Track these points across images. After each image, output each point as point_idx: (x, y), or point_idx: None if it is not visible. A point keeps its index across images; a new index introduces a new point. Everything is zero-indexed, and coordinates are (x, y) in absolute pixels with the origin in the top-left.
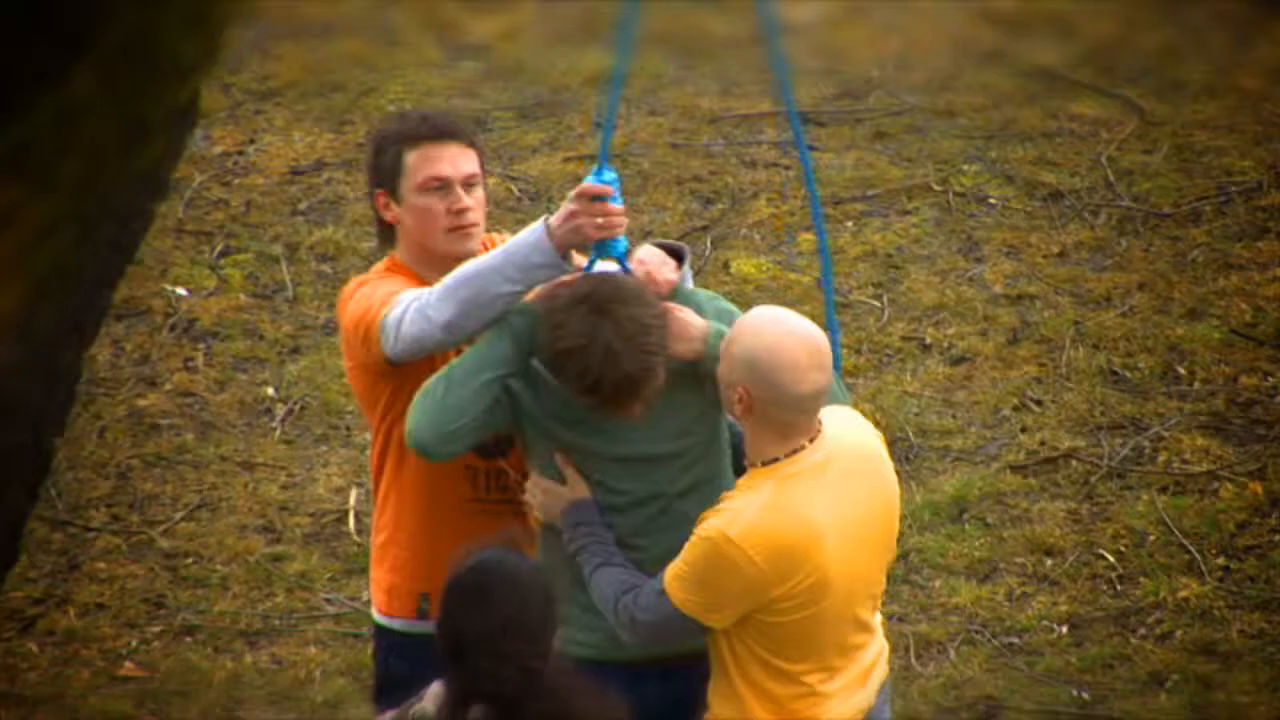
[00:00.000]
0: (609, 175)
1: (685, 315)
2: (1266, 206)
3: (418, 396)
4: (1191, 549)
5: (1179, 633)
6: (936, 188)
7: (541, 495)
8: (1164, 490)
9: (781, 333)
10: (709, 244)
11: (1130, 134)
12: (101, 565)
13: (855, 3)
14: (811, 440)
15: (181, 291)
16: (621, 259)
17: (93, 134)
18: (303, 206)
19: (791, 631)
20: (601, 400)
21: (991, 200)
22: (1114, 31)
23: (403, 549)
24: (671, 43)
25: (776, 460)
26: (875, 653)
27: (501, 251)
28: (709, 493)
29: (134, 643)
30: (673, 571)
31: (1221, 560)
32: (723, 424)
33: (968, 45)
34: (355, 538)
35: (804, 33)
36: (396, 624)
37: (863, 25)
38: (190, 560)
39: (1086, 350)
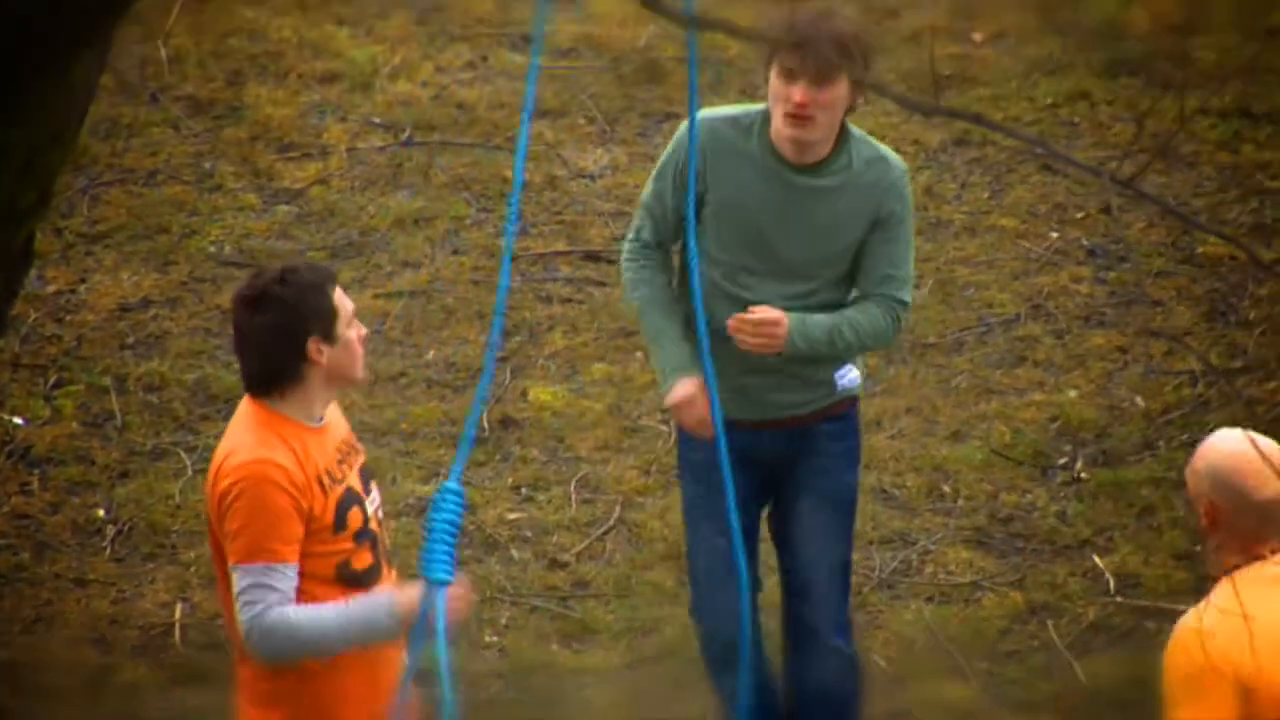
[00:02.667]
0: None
1: (766, 313)
2: (1023, 336)
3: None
4: (956, 654)
5: None
6: None
7: None
8: (930, 600)
9: (1241, 443)
10: (509, 373)
11: None
12: None
13: (641, 149)
14: (1273, 552)
15: (18, 421)
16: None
17: None
18: (130, 341)
19: None
20: None
21: None
22: None
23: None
24: (473, 187)
25: (1237, 568)
26: None
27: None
28: None
29: None
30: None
31: (985, 665)
32: None
33: None
34: (181, 649)
35: (596, 178)
36: None
37: (648, 170)
38: (28, 672)
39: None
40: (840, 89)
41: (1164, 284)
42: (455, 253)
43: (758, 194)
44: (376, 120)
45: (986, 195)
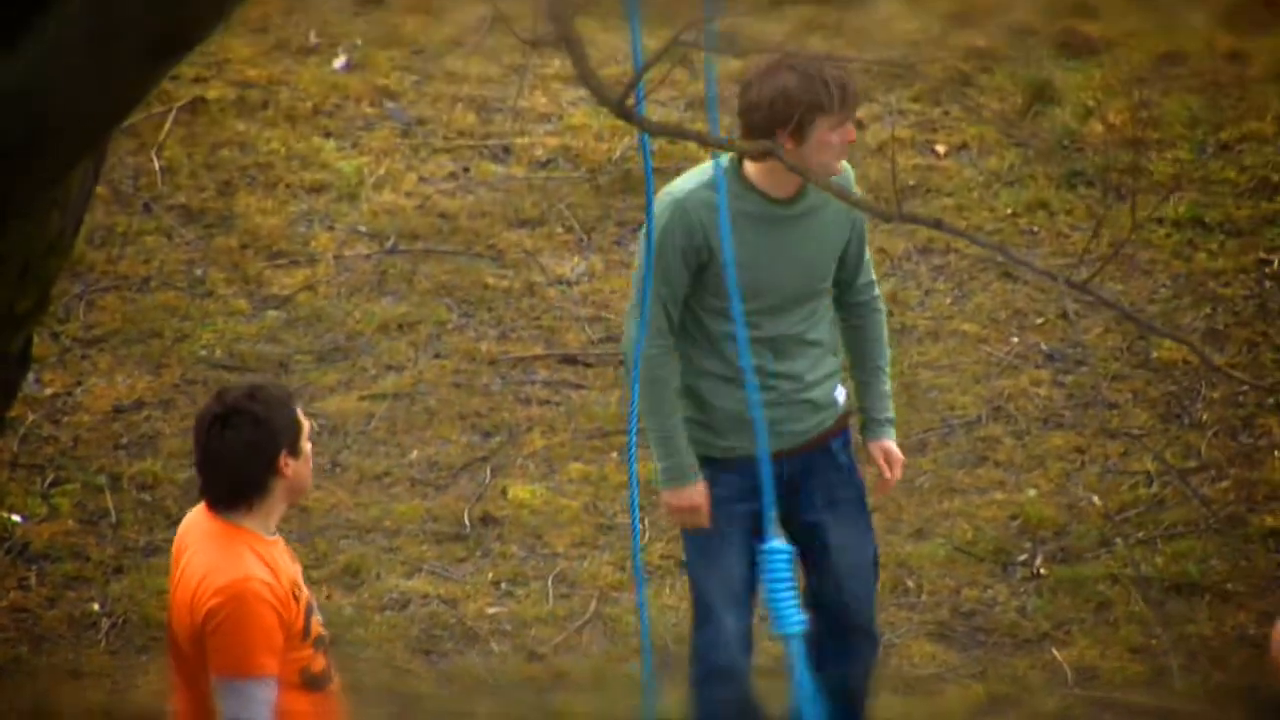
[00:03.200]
0: None
1: (895, 472)
2: (985, 437)
3: None
4: None
5: None
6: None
7: None
8: (896, 691)
9: None
10: (488, 473)
11: None
12: None
13: (617, 257)
14: None
15: (16, 518)
16: None
17: None
18: (124, 441)
19: None
20: None
21: None
22: None
23: None
24: (454, 294)
25: None
26: None
27: None
28: None
29: None
30: None
31: None
32: None
33: None
34: None
35: (573, 284)
36: None
37: (622, 278)
38: None
39: None
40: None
41: (1120, 387)
42: (437, 356)
43: (753, 239)
44: (362, 229)
45: (949, 301)
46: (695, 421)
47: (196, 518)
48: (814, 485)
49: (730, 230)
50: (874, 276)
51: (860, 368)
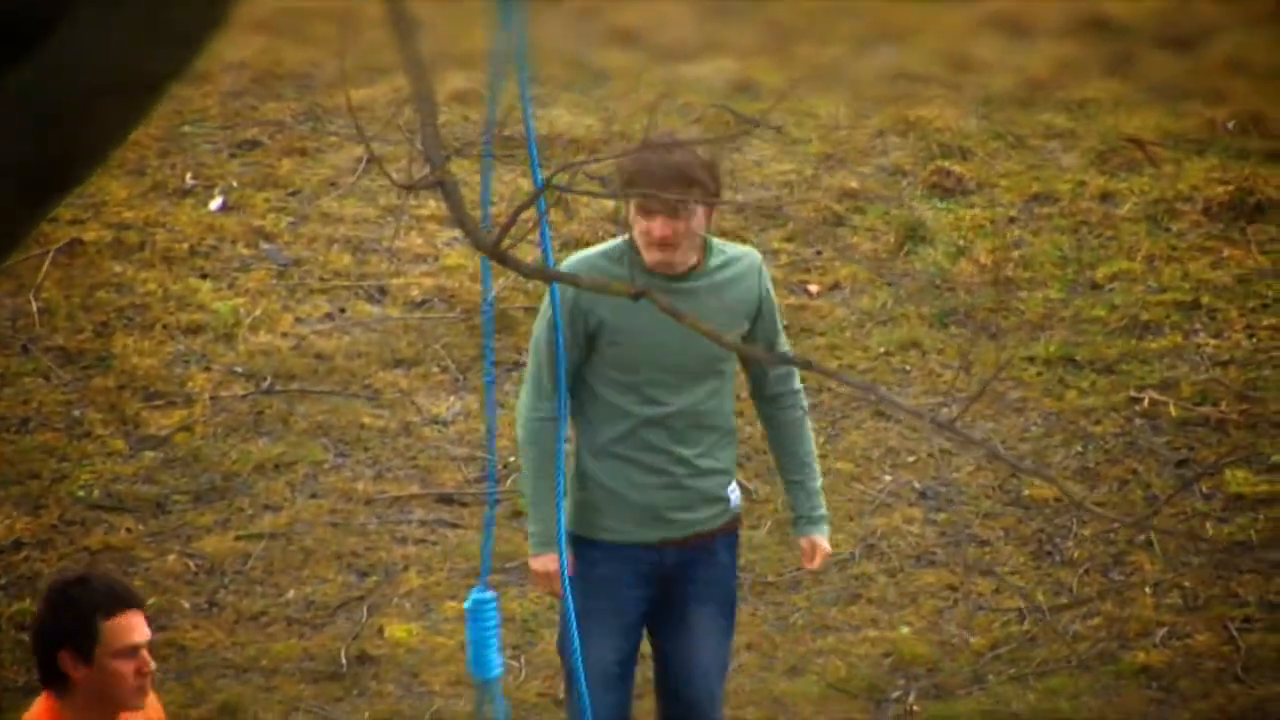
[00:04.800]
0: None
1: (817, 559)
2: (858, 575)
3: None
4: None
5: None
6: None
7: None
8: None
9: None
10: (365, 612)
11: (760, 517)
12: None
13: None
14: None
15: None
16: None
17: None
18: (2, 581)
19: None
20: None
21: None
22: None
23: None
24: (330, 433)
25: None
26: None
27: None
28: None
29: None
30: None
31: None
32: None
33: None
34: None
35: (449, 424)
36: None
37: (499, 416)
38: None
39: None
40: (696, 214)
41: (992, 524)
42: (314, 496)
43: (645, 312)
44: (239, 369)
45: (823, 440)
46: (583, 500)
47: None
48: (688, 581)
49: (590, 302)
50: (792, 371)
51: (785, 466)
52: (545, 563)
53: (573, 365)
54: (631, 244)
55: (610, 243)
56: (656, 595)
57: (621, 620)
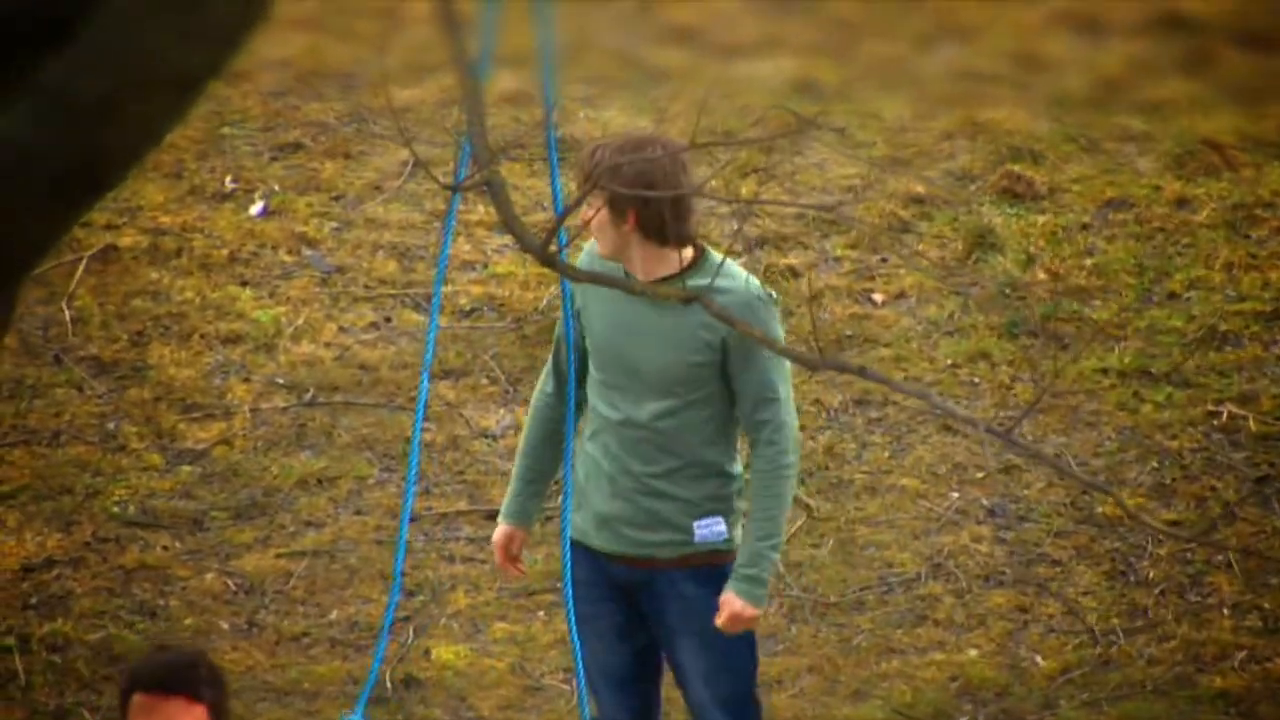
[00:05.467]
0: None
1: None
2: (924, 596)
3: None
4: None
5: None
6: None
7: None
8: None
9: None
10: (411, 633)
11: (799, 529)
12: None
13: None
14: None
15: None
16: None
17: None
18: (34, 601)
19: None
20: None
21: None
22: None
23: None
24: (375, 447)
25: None
26: None
27: None
28: None
29: None
30: None
31: None
32: None
33: None
34: None
35: (498, 438)
36: None
37: None
38: None
39: None
40: (597, 210)
41: (1064, 543)
42: (358, 513)
43: (613, 307)
44: (280, 380)
45: (887, 455)
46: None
47: None
48: (659, 621)
49: (597, 289)
50: (772, 418)
51: (749, 512)
52: (496, 534)
53: (580, 353)
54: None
55: None
56: (630, 614)
57: (605, 623)
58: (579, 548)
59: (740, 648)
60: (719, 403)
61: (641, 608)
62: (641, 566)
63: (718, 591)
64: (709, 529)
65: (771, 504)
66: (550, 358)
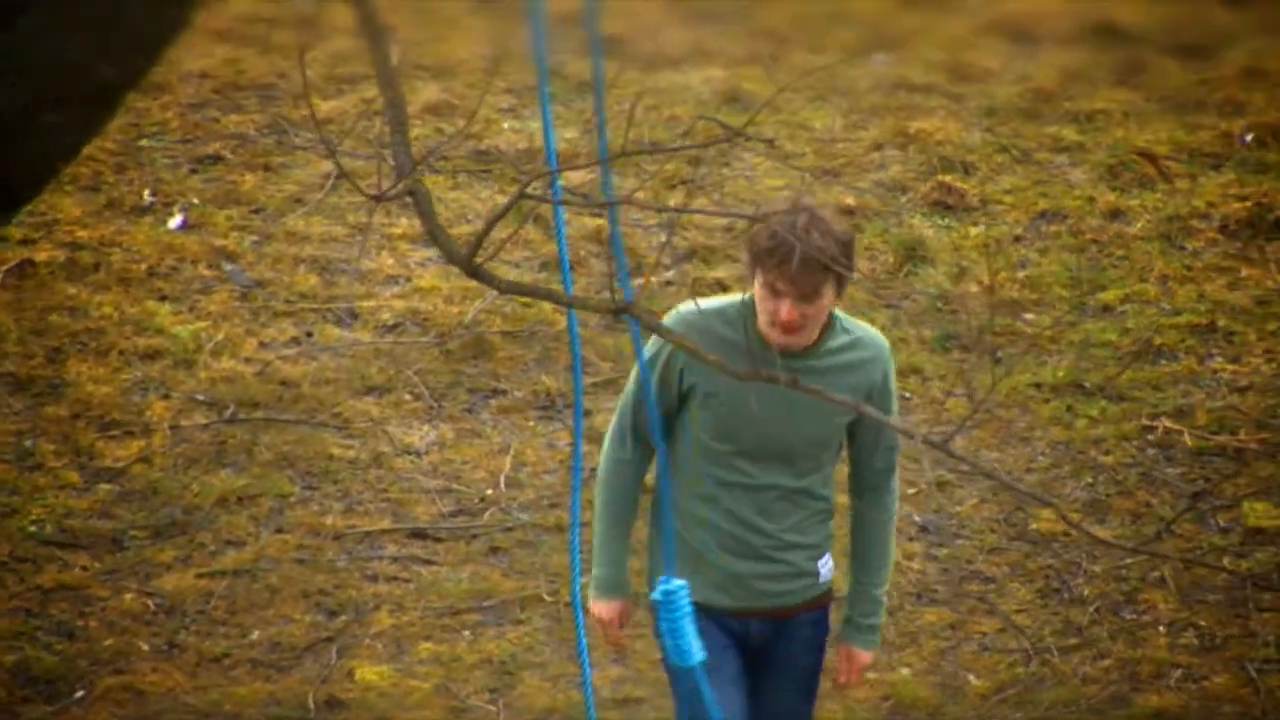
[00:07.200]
0: None
1: (853, 676)
2: None
3: None
4: None
5: None
6: (548, 598)
7: None
8: None
9: None
10: (334, 654)
11: None
12: None
13: (468, 425)
14: None
15: None
16: None
17: None
18: None
19: None
20: None
21: None
22: None
23: None
24: (296, 465)
25: None
26: None
27: None
28: None
29: None
30: None
31: None
32: None
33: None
34: None
35: (422, 454)
36: None
37: (475, 446)
38: None
39: None
40: (826, 298)
41: (997, 560)
42: (279, 531)
43: (748, 388)
44: (199, 397)
45: None
46: (682, 560)
47: None
48: (768, 656)
49: (691, 359)
50: (894, 465)
51: (856, 563)
52: (605, 609)
53: (662, 413)
54: (751, 306)
55: (725, 300)
56: (745, 665)
57: (723, 674)
58: (698, 608)
59: (812, 698)
60: (836, 452)
61: (758, 655)
62: (776, 616)
63: (823, 628)
64: (826, 567)
65: (887, 552)
66: (619, 420)
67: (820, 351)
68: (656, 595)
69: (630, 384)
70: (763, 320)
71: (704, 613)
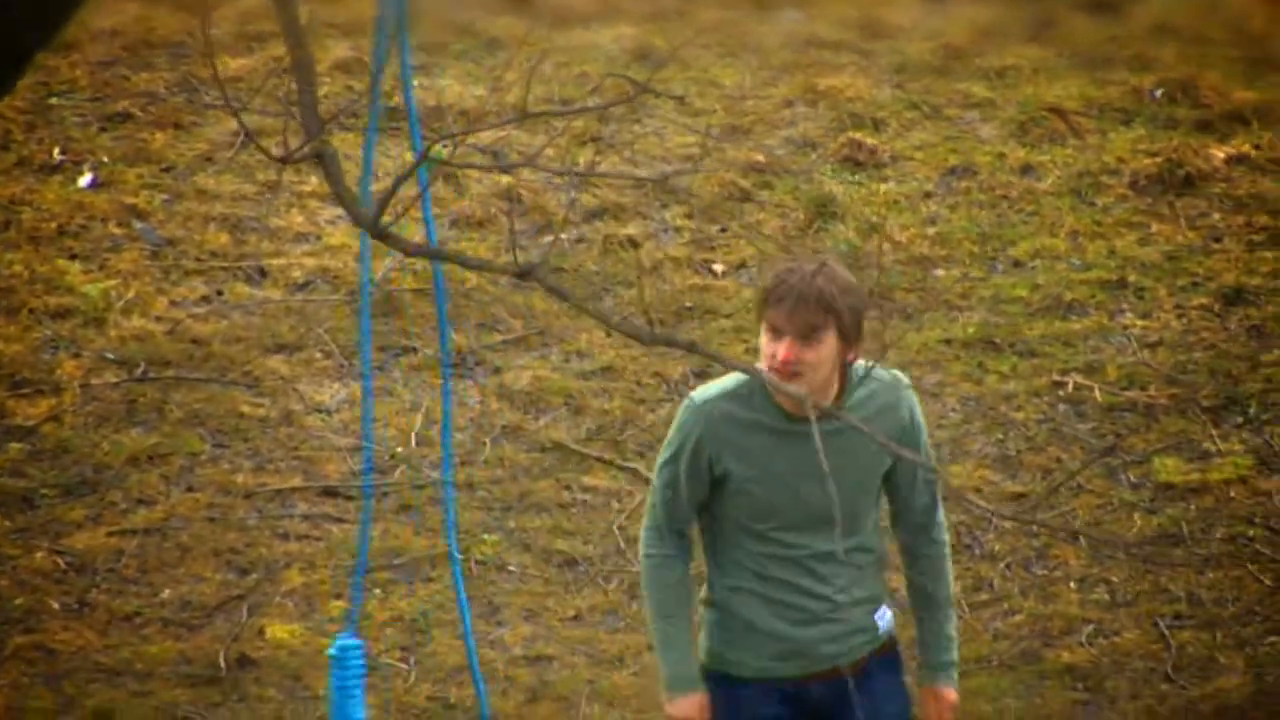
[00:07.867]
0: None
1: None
2: None
3: None
4: None
5: None
6: (459, 556)
7: None
8: None
9: None
10: (245, 612)
11: (639, 504)
12: None
13: (378, 383)
14: None
15: None
16: None
17: None
18: None
19: None
20: None
21: (511, 568)
22: (624, 407)
23: None
24: (207, 423)
25: None
26: None
27: None
28: None
29: None
30: None
31: None
32: None
33: (486, 421)
34: None
35: (333, 412)
36: None
37: (387, 404)
38: None
39: (601, 707)
40: (827, 346)
41: None
42: (190, 489)
43: (778, 457)
44: (110, 355)
45: None
46: (722, 637)
47: None
48: (845, 712)
49: (742, 442)
50: (936, 497)
51: (919, 602)
52: (678, 705)
53: (696, 503)
54: (763, 383)
55: (734, 379)
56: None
57: None
58: (749, 683)
59: None
60: (878, 501)
61: (821, 713)
62: (837, 677)
63: (894, 672)
64: (885, 619)
65: (950, 589)
66: (652, 518)
67: (845, 408)
68: (333, 651)
69: (656, 479)
70: (765, 364)
71: (757, 685)
